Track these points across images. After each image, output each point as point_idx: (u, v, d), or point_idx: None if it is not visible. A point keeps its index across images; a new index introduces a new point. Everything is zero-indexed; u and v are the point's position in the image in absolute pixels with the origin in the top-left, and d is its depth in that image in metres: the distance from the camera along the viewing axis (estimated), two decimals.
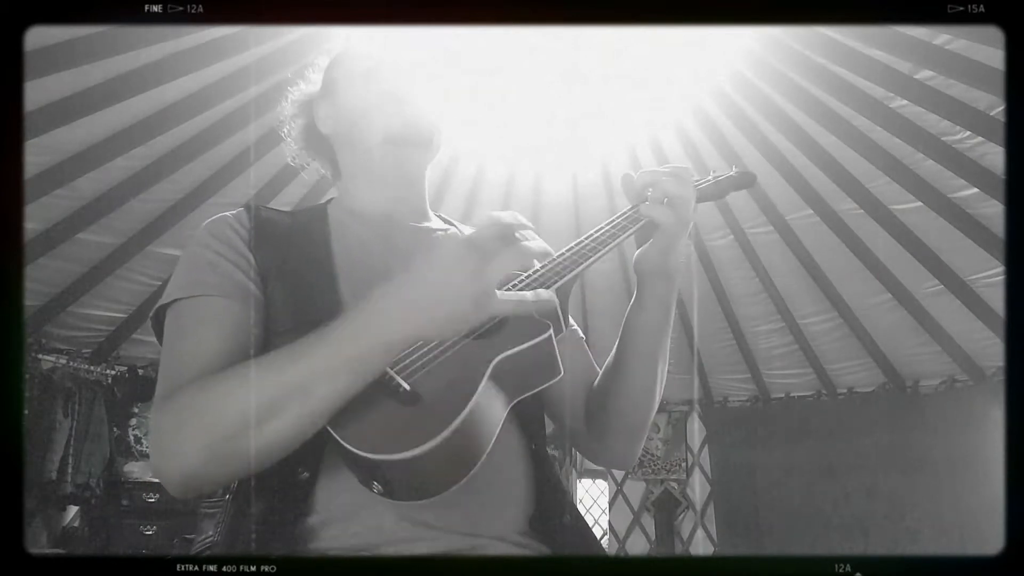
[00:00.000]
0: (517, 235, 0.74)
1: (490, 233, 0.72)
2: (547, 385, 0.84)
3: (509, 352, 0.77)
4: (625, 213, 0.94)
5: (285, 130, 1.13)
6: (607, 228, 0.92)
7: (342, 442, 0.71)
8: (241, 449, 0.73)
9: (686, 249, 0.95)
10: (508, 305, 0.72)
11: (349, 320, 0.74)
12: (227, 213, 0.96)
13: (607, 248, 0.89)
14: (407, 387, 0.72)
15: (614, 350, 1.00)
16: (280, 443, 0.74)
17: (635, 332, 0.96)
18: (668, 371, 1.00)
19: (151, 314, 0.91)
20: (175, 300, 0.87)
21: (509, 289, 0.79)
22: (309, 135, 1.10)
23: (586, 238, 0.91)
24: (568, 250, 0.88)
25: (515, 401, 0.81)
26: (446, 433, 0.67)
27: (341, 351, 0.72)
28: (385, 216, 1.01)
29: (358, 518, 0.79)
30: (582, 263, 0.86)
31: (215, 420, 0.74)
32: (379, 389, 0.73)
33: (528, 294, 0.75)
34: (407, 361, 0.75)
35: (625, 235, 0.92)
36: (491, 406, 0.75)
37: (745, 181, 1.09)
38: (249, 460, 0.75)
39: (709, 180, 1.06)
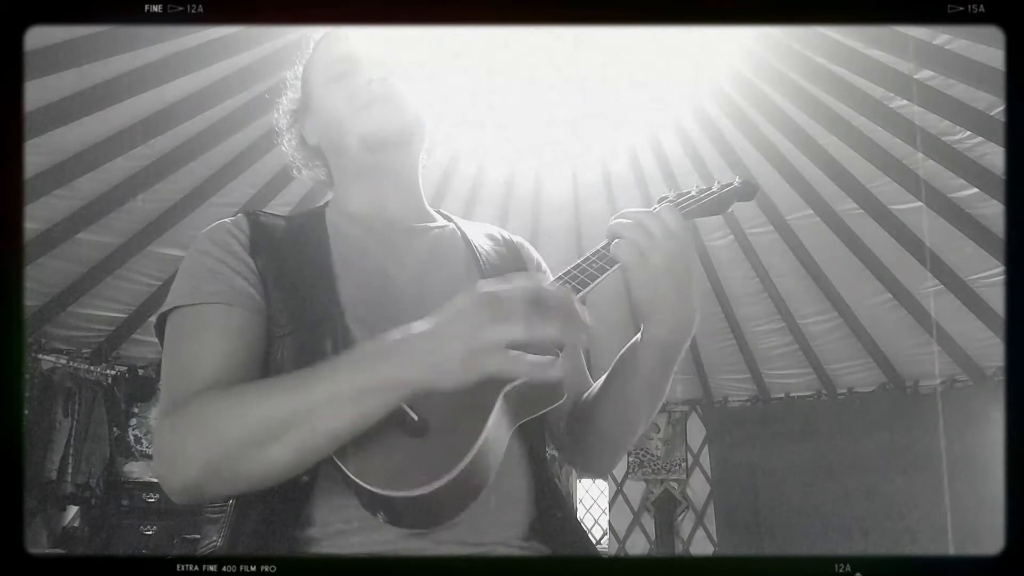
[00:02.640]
0: (553, 308, 0.69)
1: (522, 295, 0.68)
2: (550, 408, 0.83)
3: (517, 383, 0.75)
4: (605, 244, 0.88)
5: (283, 142, 1.12)
6: (599, 253, 0.86)
7: (350, 475, 0.70)
8: (241, 468, 0.74)
9: (686, 292, 0.85)
10: (502, 367, 0.68)
11: (353, 353, 0.74)
12: (226, 219, 0.96)
13: (601, 278, 0.83)
14: (415, 417, 0.72)
15: (605, 376, 0.97)
16: (280, 468, 0.74)
17: (622, 366, 0.94)
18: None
19: (154, 322, 0.91)
20: (176, 307, 0.87)
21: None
22: (301, 146, 1.10)
23: (577, 267, 0.85)
24: (560, 279, 0.83)
25: (518, 423, 0.81)
26: (456, 472, 0.66)
27: (340, 384, 0.71)
28: (380, 217, 1.01)
29: (360, 533, 0.78)
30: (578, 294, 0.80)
31: (217, 438, 0.74)
32: (388, 418, 0.72)
33: (529, 359, 0.68)
34: None
35: (611, 270, 0.85)
36: (498, 435, 0.75)
37: (747, 192, 1.01)
38: (249, 482, 0.75)
39: (713, 192, 0.98)
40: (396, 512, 0.70)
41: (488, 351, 0.67)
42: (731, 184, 1.00)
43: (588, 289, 0.82)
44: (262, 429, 0.72)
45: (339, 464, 0.71)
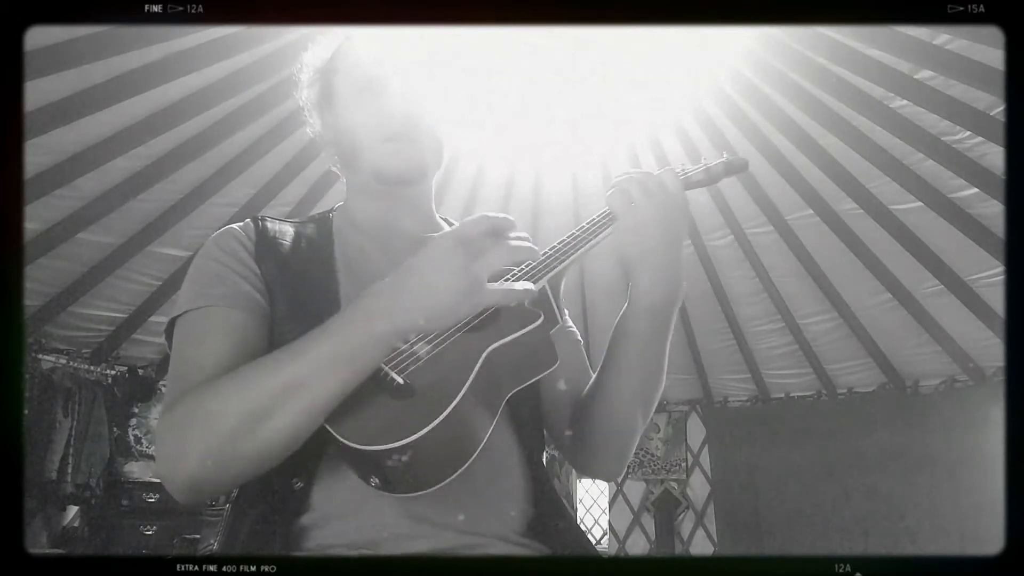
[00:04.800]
0: (507, 233, 0.75)
1: (480, 228, 0.74)
2: (544, 374, 0.84)
3: (501, 342, 0.78)
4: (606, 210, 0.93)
5: (301, 97, 1.08)
6: (595, 221, 0.91)
7: (337, 436, 0.71)
8: (241, 451, 0.74)
9: (670, 254, 0.88)
10: (497, 295, 0.74)
11: (341, 316, 0.75)
12: (234, 225, 0.97)
13: (593, 241, 0.88)
14: (401, 381, 0.73)
15: (602, 361, 0.97)
16: (279, 443, 0.75)
17: (616, 341, 0.94)
18: (668, 371, 0.97)
19: (165, 328, 0.92)
20: (184, 312, 0.88)
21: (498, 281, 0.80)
22: (317, 117, 1.07)
23: (575, 231, 0.90)
24: (555, 246, 0.88)
25: (513, 391, 0.82)
26: (436, 421, 0.68)
27: (333, 347, 0.73)
28: (387, 228, 1.01)
29: (358, 515, 0.79)
30: (570, 256, 0.87)
31: (214, 424, 0.75)
32: (375, 384, 0.74)
33: (516, 285, 0.76)
34: (402, 356, 0.76)
35: (608, 230, 0.90)
36: (485, 396, 0.76)
37: (736, 166, 1.06)
38: (250, 462, 0.76)
39: (700, 167, 1.03)
40: (385, 475, 0.71)
41: (480, 286, 0.72)
42: (719, 160, 1.05)
43: (584, 249, 0.87)
44: (264, 401, 0.73)
45: (328, 428, 0.73)
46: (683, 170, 1.02)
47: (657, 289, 0.89)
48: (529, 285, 0.77)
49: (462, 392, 0.71)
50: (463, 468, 0.72)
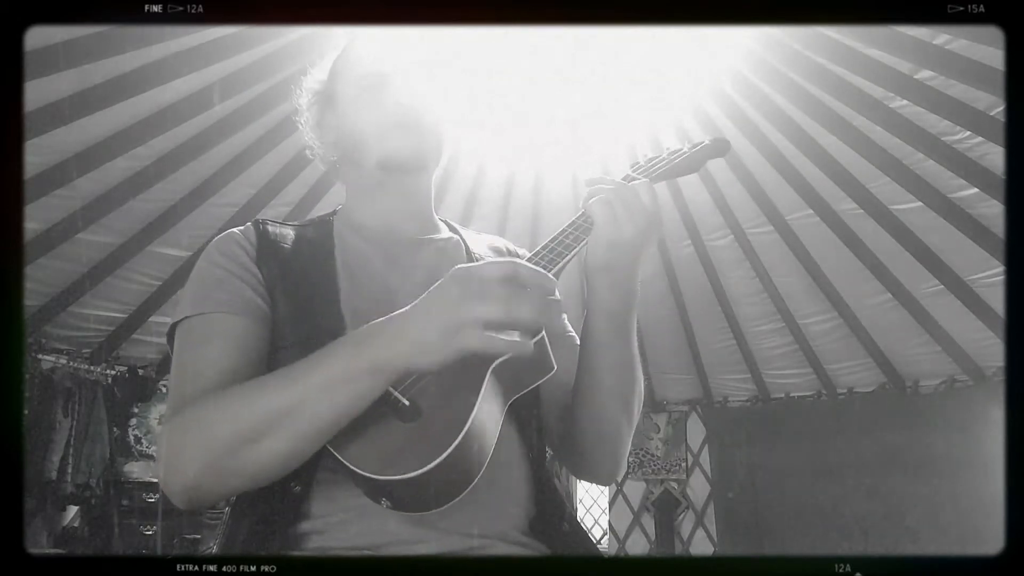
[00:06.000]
0: (529, 288, 0.69)
1: (498, 272, 0.69)
2: (541, 381, 0.84)
3: (504, 358, 0.76)
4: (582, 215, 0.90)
5: (300, 120, 1.10)
6: (573, 228, 0.88)
7: (346, 463, 0.71)
8: (239, 466, 0.75)
9: (633, 261, 0.88)
10: (481, 343, 0.68)
11: (344, 342, 0.75)
12: (235, 229, 0.97)
13: (572, 253, 0.86)
14: (406, 402, 0.73)
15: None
16: (277, 461, 0.75)
17: (583, 350, 0.94)
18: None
19: (167, 332, 0.92)
20: (186, 317, 0.88)
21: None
22: (317, 127, 1.08)
23: (555, 240, 0.87)
24: (538, 250, 0.85)
25: (512, 400, 0.82)
26: (449, 450, 0.67)
27: (325, 374, 0.73)
28: (387, 230, 1.01)
29: (360, 522, 0.79)
30: (552, 267, 0.83)
31: (214, 437, 0.75)
32: (380, 405, 0.74)
33: (504, 336, 0.69)
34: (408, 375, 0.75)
35: (588, 239, 0.88)
36: (490, 412, 0.76)
37: (718, 148, 1.04)
38: (247, 477, 0.76)
39: (683, 153, 1.02)
40: (398, 497, 0.71)
41: (465, 328, 0.68)
42: (701, 143, 1.03)
43: (565, 260, 0.84)
44: (256, 423, 0.74)
45: (338, 456, 0.72)
46: (667, 156, 1.01)
47: (615, 299, 0.90)
48: (528, 344, 0.70)
49: (471, 418, 0.70)
50: (472, 484, 0.72)
